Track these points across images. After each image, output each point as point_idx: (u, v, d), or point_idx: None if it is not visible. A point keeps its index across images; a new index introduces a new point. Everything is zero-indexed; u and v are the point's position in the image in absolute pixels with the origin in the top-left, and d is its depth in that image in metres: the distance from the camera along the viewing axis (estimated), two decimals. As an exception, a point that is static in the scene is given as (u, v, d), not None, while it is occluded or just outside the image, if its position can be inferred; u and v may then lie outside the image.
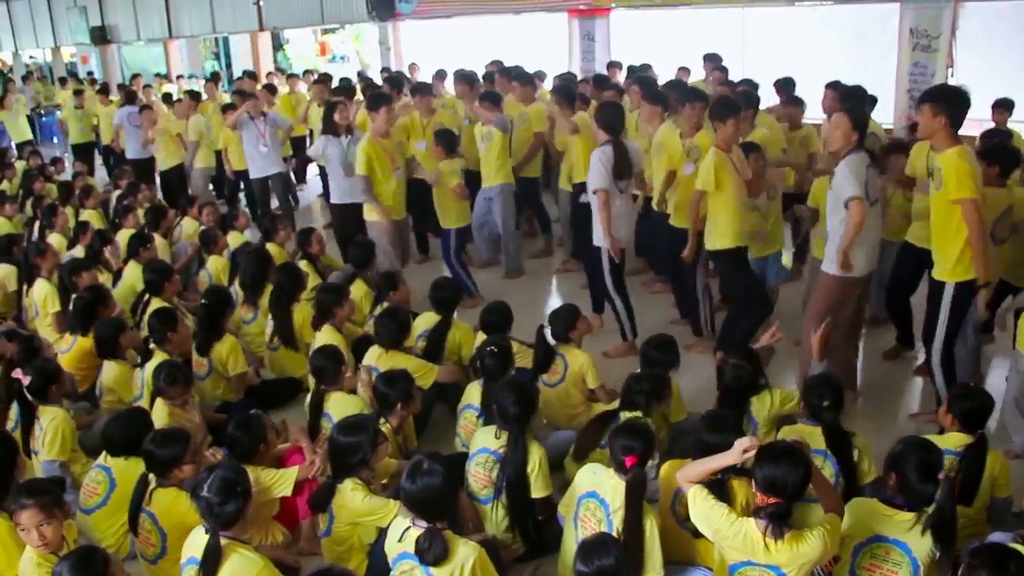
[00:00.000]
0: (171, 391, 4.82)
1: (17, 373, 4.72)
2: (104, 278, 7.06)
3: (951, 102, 4.75)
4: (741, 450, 3.46)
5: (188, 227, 8.57)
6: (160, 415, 4.73)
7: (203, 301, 5.97)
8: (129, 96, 13.31)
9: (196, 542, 3.46)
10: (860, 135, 5.04)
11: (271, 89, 12.31)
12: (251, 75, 14.51)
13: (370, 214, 7.41)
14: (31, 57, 31.81)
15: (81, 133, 14.09)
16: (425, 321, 5.78)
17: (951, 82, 8.85)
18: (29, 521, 3.44)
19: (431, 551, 3.38)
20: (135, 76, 16.57)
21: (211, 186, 11.72)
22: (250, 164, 9.96)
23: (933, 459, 3.48)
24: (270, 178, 9.95)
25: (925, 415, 5.35)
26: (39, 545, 3.45)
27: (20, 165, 12.16)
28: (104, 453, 4.36)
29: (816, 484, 3.47)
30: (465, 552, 3.41)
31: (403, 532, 3.51)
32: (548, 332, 5.29)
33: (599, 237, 6.29)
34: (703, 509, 3.50)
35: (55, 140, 18.85)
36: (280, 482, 4.22)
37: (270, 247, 7.30)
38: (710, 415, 4.08)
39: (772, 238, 6.64)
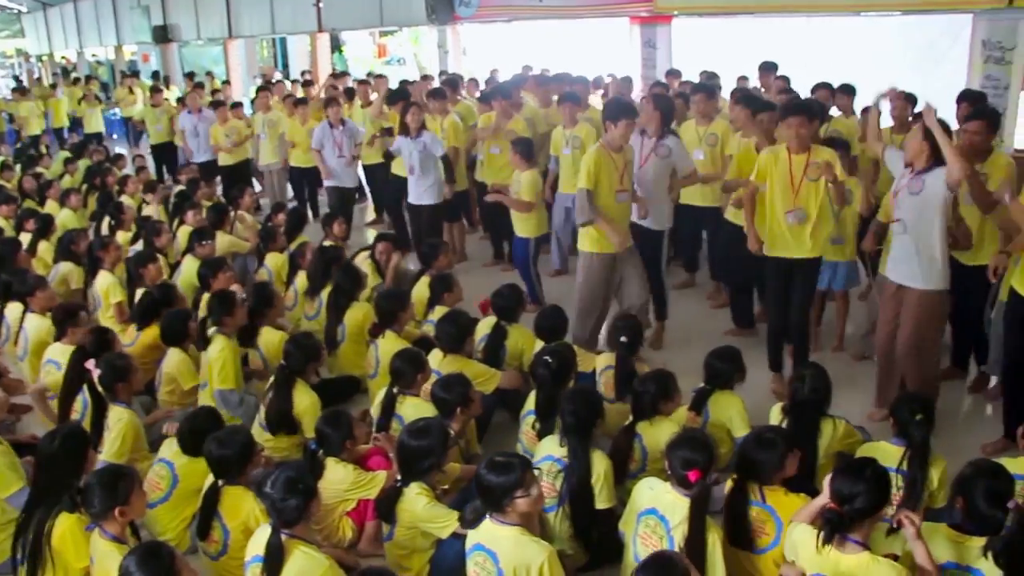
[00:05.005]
0: None
1: (89, 364, 4.77)
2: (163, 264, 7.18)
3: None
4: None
5: (241, 220, 8.68)
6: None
7: (243, 297, 6.08)
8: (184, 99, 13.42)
9: (261, 539, 3.48)
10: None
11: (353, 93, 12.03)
12: (336, 77, 14.55)
13: (584, 243, 6.20)
14: (93, 55, 32.50)
15: (158, 133, 13.70)
16: (486, 326, 5.78)
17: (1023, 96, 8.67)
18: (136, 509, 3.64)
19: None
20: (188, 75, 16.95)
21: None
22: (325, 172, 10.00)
23: (1002, 486, 3.39)
24: (342, 190, 9.94)
25: (993, 444, 5.19)
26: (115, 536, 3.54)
27: (82, 162, 12.41)
28: (166, 447, 4.41)
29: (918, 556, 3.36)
30: (536, 550, 3.40)
31: (480, 523, 3.53)
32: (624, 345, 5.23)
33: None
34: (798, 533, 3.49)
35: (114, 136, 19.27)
36: (371, 484, 4.29)
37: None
38: (757, 433, 3.99)
39: (846, 246, 6.43)
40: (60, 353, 5.54)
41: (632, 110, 6.11)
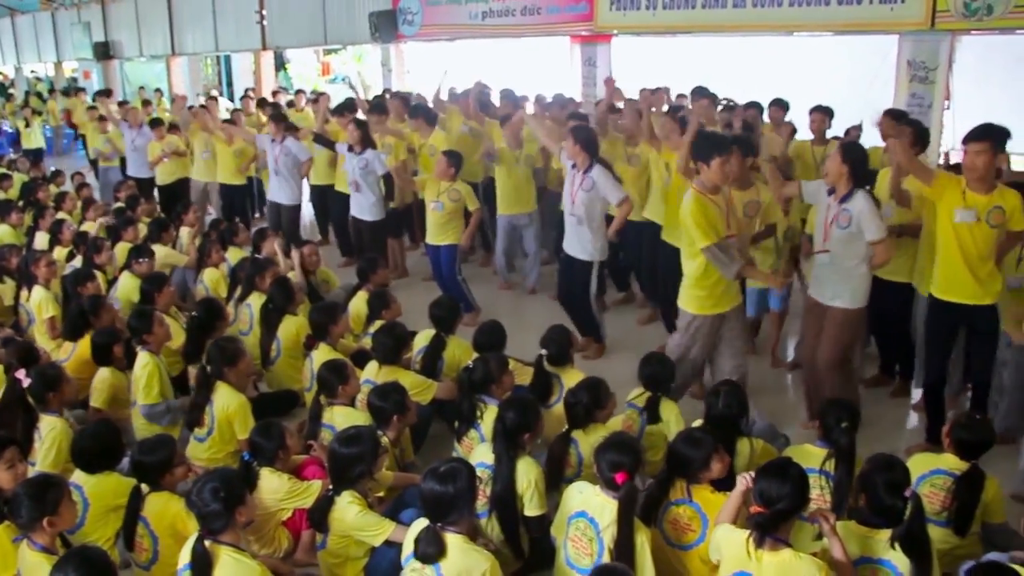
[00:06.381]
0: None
1: (19, 374, 4.74)
2: (101, 281, 7.13)
3: (1004, 142, 4.90)
4: (743, 488, 3.57)
5: (185, 237, 8.66)
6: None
7: (193, 313, 6.09)
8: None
9: (190, 548, 3.48)
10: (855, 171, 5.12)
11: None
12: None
13: (690, 303, 5.42)
14: (32, 71, 32.00)
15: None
16: (424, 338, 5.82)
17: (947, 114, 8.94)
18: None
19: (422, 546, 3.48)
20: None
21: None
22: (268, 185, 9.98)
23: (899, 477, 3.56)
24: (280, 206, 9.82)
25: (917, 447, 5.34)
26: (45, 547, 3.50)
27: (17, 177, 12.24)
28: (76, 471, 4.30)
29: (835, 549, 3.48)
30: (478, 559, 3.47)
31: (419, 531, 3.57)
32: (544, 357, 5.27)
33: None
34: (721, 533, 3.60)
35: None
36: (306, 494, 4.29)
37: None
38: (686, 433, 4.12)
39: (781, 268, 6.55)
40: None
41: (723, 144, 5.26)
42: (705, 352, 5.47)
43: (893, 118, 6.48)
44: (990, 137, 4.87)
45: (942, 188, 5.04)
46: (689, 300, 5.40)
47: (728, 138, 5.60)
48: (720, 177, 5.16)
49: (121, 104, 14.75)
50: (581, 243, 6.66)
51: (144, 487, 4.02)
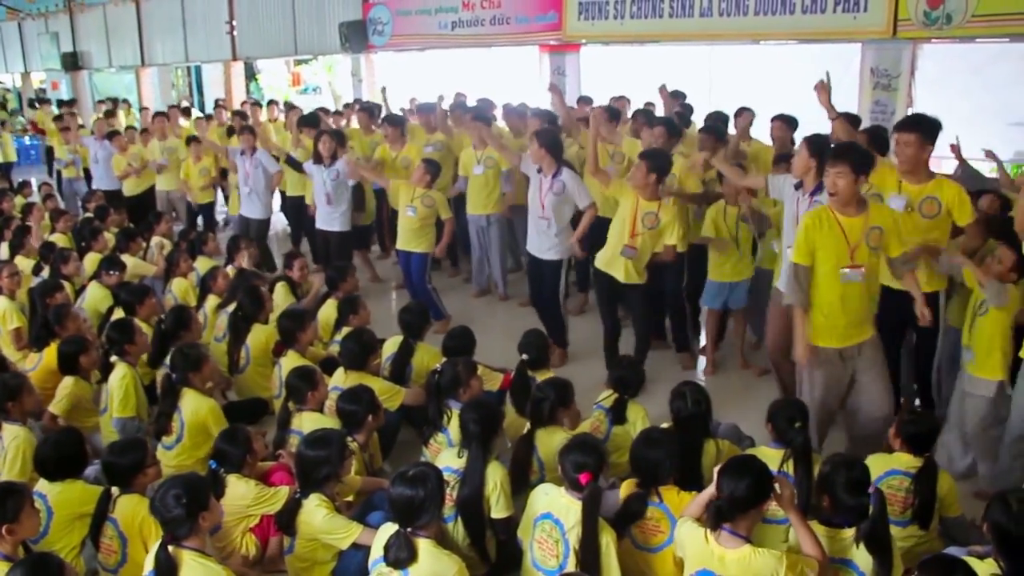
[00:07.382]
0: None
1: None
2: (69, 291, 7.07)
3: (934, 133, 4.92)
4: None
5: (155, 247, 8.64)
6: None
7: (158, 320, 6.11)
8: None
9: (154, 554, 3.48)
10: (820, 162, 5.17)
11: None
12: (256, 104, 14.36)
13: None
14: (-1, 82, 31.70)
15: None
16: (393, 345, 5.85)
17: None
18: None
19: (393, 552, 3.50)
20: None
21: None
22: (233, 199, 9.96)
23: (860, 474, 3.60)
24: (249, 220, 9.75)
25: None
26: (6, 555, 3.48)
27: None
28: (40, 480, 4.25)
29: (799, 530, 3.53)
30: (448, 563, 3.50)
31: (388, 536, 3.58)
32: (524, 361, 5.29)
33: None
34: (684, 530, 3.62)
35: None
36: (273, 499, 4.28)
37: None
38: (644, 434, 4.16)
39: (743, 264, 6.66)
40: None
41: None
42: (833, 395, 4.88)
43: (850, 123, 6.55)
44: (917, 128, 4.93)
45: (881, 175, 5.11)
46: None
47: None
48: (850, 193, 4.51)
49: (71, 115, 14.68)
50: (549, 244, 6.75)
51: (115, 490, 4.01)
